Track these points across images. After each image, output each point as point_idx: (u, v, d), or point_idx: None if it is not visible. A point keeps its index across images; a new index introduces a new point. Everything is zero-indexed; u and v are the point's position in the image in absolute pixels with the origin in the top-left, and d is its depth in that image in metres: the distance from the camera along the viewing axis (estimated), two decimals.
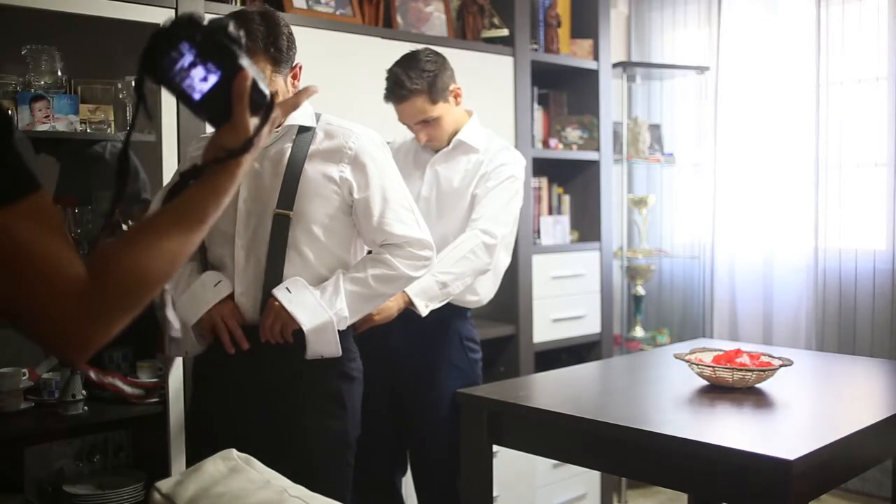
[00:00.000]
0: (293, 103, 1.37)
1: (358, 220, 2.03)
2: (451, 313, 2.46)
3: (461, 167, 2.49)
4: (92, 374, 2.38)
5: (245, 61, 1.11)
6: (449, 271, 2.29)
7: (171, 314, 2.14)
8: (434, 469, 2.51)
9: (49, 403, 2.35)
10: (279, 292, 1.94)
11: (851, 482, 3.72)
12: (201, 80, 1.09)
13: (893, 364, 2.57)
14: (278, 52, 1.89)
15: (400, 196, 2.06)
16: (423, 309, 2.27)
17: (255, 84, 1.13)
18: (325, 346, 1.98)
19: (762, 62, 4.10)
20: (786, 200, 4.05)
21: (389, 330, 2.30)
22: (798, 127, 3.99)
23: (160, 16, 2.38)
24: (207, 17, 1.11)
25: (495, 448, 2.15)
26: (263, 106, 1.14)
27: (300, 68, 2.00)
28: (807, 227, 3.96)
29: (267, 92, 1.15)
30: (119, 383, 2.40)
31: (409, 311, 2.30)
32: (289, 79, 1.97)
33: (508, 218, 2.46)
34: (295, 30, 2.70)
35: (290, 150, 1.98)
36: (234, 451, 1.43)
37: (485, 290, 2.54)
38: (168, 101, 2.42)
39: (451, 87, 2.47)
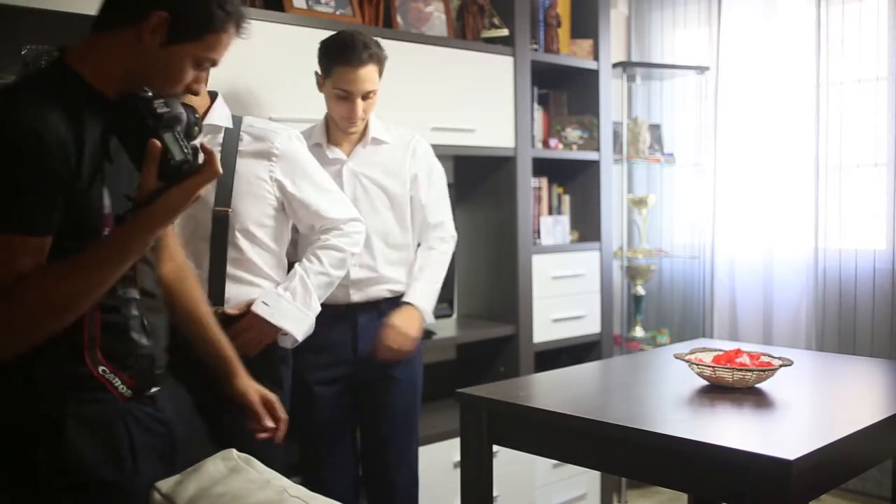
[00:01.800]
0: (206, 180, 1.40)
1: (295, 211, 2.22)
2: (389, 303, 2.57)
3: (376, 161, 2.53)
4: None
5: (167, 135, 1.31)
6: (439, 278, 2.61)
7: None
8: (389, 463, 2.60)
9: None
10: (259, 308, 2.11)
11: (851, 482, 3.72)
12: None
13: (893, 364, 2.57)
14: None
15: (327, 183, 2.27)
16: (431, 317, 2.57)
17: (165, 154, 1.30)
18: (305, 335, 2.23)
19: (762, 62, 4.10)
20: (786, 200, 4.05)
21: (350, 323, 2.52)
22: (798, 127, 3.99)
23: None
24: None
25: (495, 448, 2.15)
26: (170, 175, 1.31)
27: None
28: (807, 227, 3.96)
29: (178, 162, 1.31)
30: None
31: (354, 305, 2.53)
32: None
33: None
34: (295, 30, 2.72)
35: (219, 150, 2.11)
36: (233, 451, 1.43)
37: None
38: None
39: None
